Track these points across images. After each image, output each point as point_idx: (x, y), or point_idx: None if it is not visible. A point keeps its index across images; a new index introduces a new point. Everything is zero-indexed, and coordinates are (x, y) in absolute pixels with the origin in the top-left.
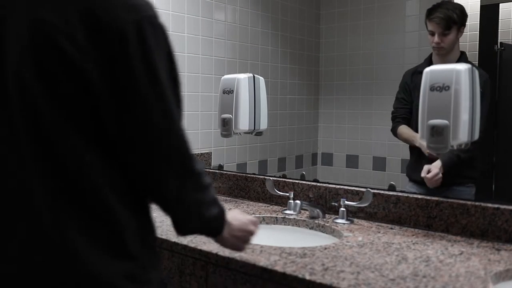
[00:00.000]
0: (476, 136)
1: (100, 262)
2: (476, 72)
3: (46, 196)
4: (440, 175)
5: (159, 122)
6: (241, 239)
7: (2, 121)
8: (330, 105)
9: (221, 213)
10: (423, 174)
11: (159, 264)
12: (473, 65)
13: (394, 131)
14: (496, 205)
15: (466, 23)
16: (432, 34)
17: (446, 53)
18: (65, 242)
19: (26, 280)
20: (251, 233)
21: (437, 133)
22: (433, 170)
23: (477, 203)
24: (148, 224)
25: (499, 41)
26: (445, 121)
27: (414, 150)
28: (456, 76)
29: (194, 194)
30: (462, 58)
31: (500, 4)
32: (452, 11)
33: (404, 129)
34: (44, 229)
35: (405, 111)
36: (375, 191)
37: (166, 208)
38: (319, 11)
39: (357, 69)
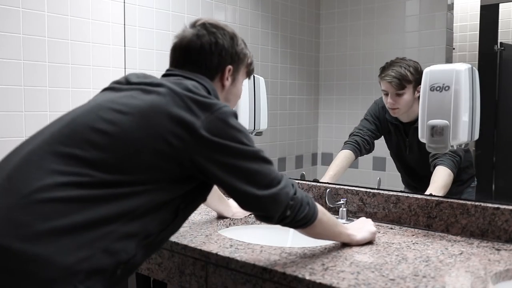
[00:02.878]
0: (476, 136)
1: None
2: (476, 72)
3: None
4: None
5: None
6: (364, 229)
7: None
8: (330, 105)
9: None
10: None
11: None
12: None
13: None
14: (496, 205)
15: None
16: (386, 94)
17: (404, 112)
18: None
19: None
20: (369, 223)
21: (437, 133)
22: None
23: (477, 203)
24: None
25: (499, 41)
26: (445, 121)
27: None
28: (456, 76)
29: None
30: None
31: (500, 4)
32: (406, 69)
33: (340, 156)
34: None
35: (360, 139)
36: (375, 191)
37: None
38: (319, 11)
39: (357, 69)
